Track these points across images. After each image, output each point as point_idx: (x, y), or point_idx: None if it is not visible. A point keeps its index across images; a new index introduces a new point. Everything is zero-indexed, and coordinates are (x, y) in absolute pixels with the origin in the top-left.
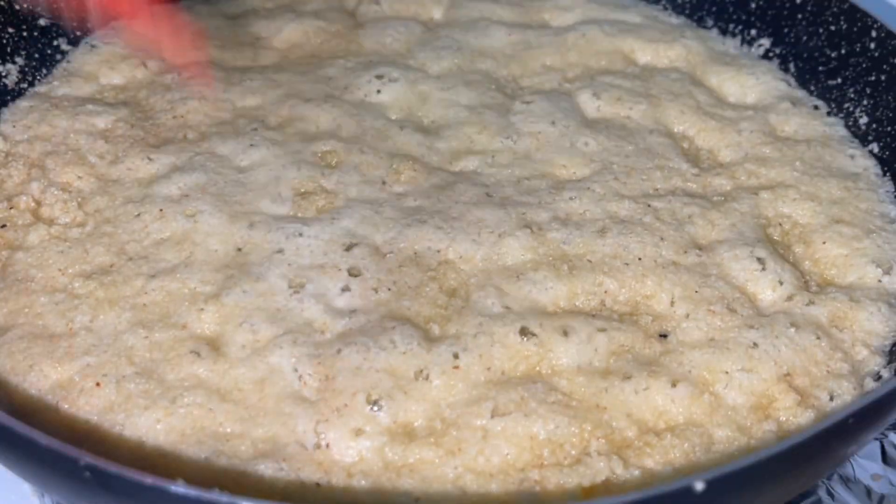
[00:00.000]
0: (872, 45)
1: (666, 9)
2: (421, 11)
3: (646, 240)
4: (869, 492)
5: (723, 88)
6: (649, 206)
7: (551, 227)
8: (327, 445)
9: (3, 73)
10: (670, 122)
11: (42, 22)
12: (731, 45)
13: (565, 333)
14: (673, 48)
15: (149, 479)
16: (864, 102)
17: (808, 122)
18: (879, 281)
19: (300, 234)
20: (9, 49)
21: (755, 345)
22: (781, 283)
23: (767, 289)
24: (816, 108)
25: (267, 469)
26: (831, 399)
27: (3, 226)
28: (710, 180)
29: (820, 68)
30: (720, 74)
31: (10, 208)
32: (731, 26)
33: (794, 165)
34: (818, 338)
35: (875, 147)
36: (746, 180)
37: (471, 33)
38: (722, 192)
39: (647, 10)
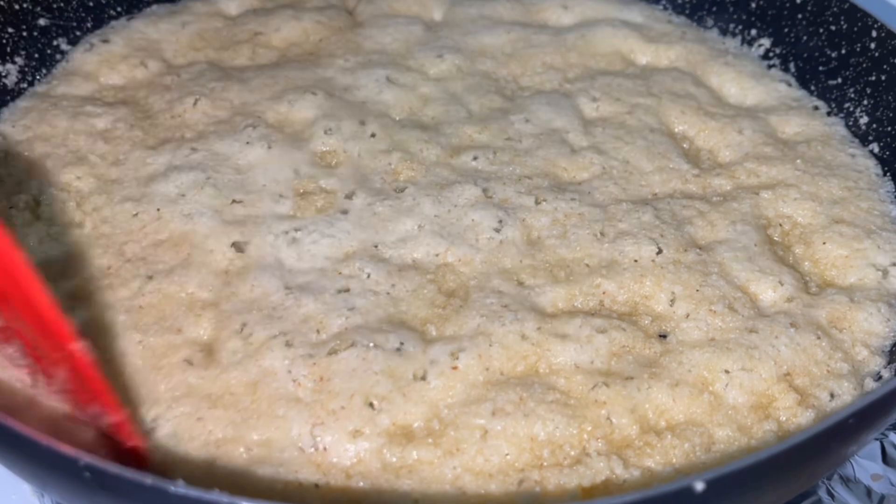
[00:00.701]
0: (872, 45)
1: (666, 9)
2: (421, 12)
3: (644, 240)
4: (869, 492)
5: (723, 89)
6: (648, 206)
7: (550, 229)
8: (324, 448)
9: (3, 73)
10: (671, 123)
11: (42, 22)
12: (732, 44)
13: (564, 334)
14: (673, 48)
15: (149, 480)
16: (865, 102)
17: (809, 122)
18: (879, 281)
19: (298, 234)
20: (9, 49)
21: (755, 345)
22: (782, 284)
23: (768, 289)
24: (816, 108)
25: (265, 471)
26: (831, 399)
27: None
28: (710, 181)
29: (820, 68)
30: (721, 75)
31: (10, 208)
32: (731, 26)
33: (795, 164)
34: (818, 338)
35: (875, 147)
36: (746, 180)
37: (470, 33)
38: (722, 193)
39: (648, 10)
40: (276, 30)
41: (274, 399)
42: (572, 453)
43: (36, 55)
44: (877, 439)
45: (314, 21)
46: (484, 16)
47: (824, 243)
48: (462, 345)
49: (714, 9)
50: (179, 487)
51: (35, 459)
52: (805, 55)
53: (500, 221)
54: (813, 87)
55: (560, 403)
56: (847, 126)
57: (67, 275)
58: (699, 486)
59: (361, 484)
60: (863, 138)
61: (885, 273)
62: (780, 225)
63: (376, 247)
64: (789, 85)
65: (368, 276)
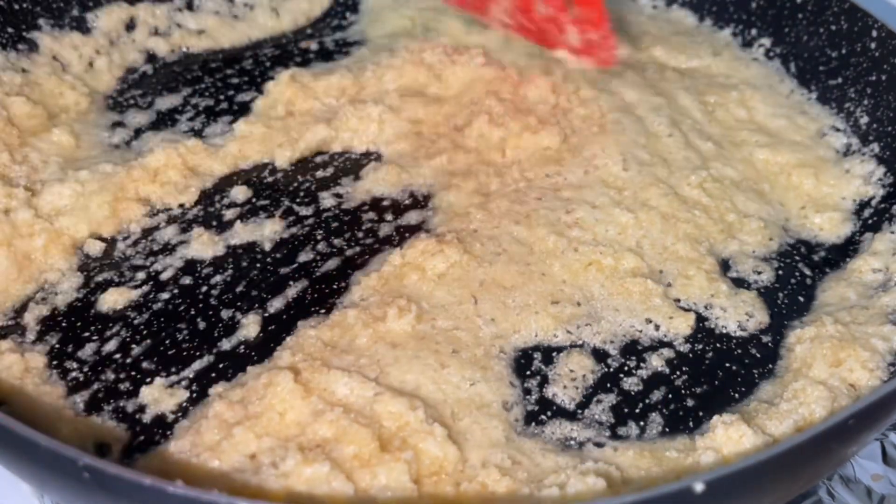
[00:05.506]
0: (873, 45)
1: (669, 7)
2: None
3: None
4: (869, 492)
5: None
6: None
7: None
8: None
9: None
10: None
11: (42, 22)
12: (733, 45)
13: None
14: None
15: (148, 480)
16: (865, 102)
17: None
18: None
19: None
20: (9, 49)
21: None
22: None
23: None
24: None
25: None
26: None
27: None
28: None
29: (820, 68)
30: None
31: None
32: (732, 26)
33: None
34: None
35: (875, 147)
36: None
37: None
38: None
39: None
40: None
41: None
42: None
43: None
44: (877, 439)
45: None
46: None
47: None
48: None
49: (714, 9)
50: (178, 487)
51: (34, 459)
52: (805, 55)
53: None
54: (813, 87)
55: None
56: (848, 126)
57: None
58: (699, 486)
59: None
60: (863, 138)
61: None
62: None
63: None
64: (791, 84)
65: None
